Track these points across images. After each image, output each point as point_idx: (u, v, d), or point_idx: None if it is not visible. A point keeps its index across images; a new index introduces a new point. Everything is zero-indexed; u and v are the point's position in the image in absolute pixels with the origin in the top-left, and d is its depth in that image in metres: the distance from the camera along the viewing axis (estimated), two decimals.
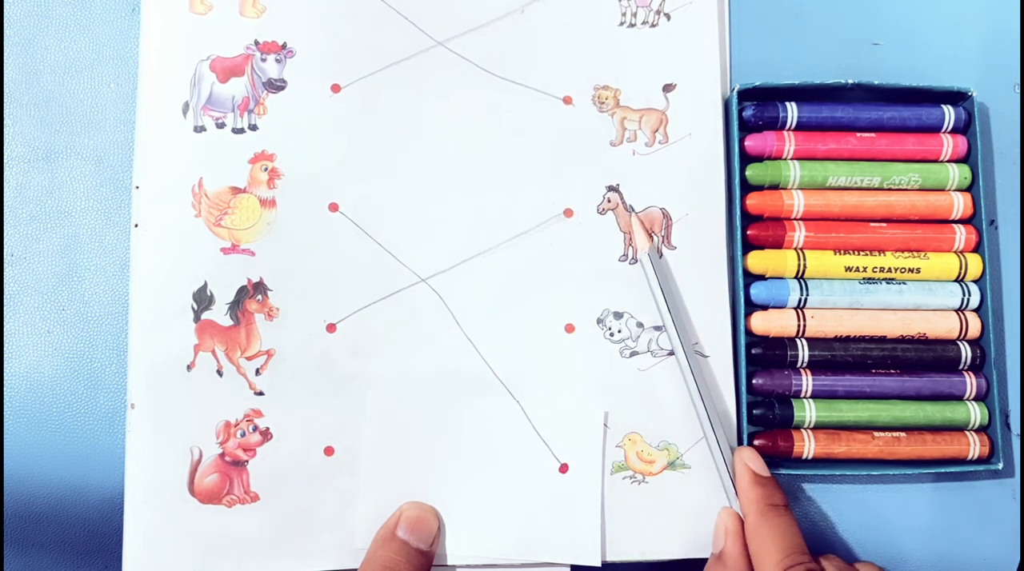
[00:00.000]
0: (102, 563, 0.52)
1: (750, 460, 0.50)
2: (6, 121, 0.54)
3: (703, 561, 0.51)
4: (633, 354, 0.52)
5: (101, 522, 0.52)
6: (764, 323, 0.53)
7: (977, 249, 0.53)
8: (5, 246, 0.53)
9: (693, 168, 0.53)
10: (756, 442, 0.52)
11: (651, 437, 0.52)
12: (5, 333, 0.53)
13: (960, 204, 0.53)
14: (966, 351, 0.53)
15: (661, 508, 0.51)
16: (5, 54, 0.54)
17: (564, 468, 0.51)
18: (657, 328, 0.52)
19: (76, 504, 0.52)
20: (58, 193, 0.54)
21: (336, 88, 0.53)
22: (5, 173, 0.54)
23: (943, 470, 0.52)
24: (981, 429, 0.52)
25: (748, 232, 0.53)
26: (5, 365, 0.53)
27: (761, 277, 0.53)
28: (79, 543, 0.52)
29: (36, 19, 0.54)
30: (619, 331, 0.52)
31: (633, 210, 0.51)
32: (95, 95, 0.54)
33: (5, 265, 0.53)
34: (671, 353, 0.52)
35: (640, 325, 0.52)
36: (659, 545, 0.51)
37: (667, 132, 0.54)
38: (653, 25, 0.55)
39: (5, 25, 0.54)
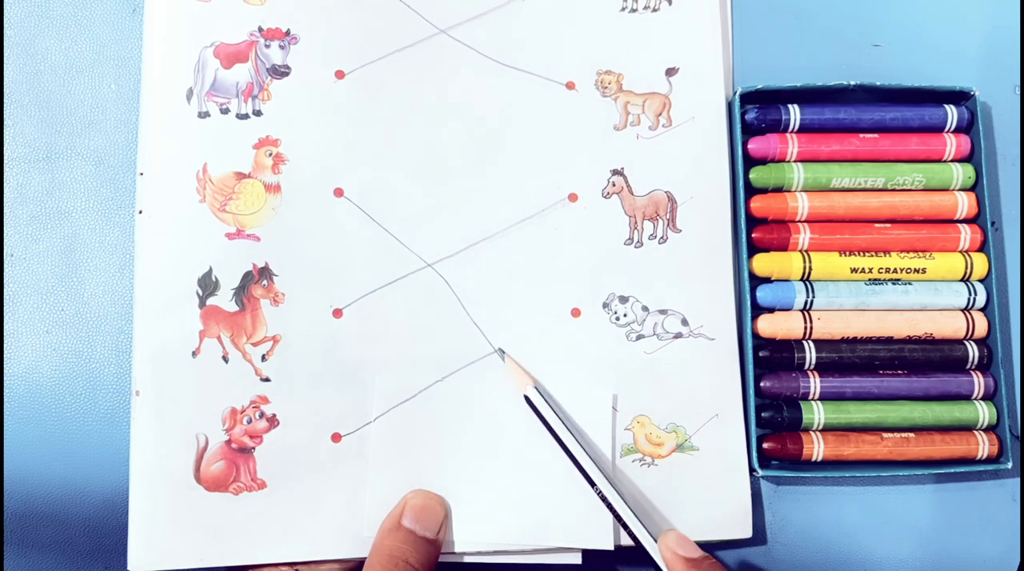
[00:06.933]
0: (103, 563, 0.51)
1: (677, 546, 0.48)
2: (6, 121, 0.54)
3: (711, 543, 0.51)
4: (639, 337, 0.52)
5: (101, 522, 0.51)
6: (771, 326, 0.52)
7: (982, 248, 0.53)
8: (5, 246, 0.53)
9: (697, 151, 0.54)
10: (765, 445, 0.52)
11: (659, 420, 0.52)
12: (5, 333, 0.52)
13: (964, 203, 0.53)
14: (973, 351, 0.52)
15: (671, 490, 0.51)
16: (5, 54, 0.54)
17: None
18: (662, 312, 0.52)
19: (76, 504, 0.52)
20: (58, 193, 0.53)
21: (340, 74, 0.53)
22: (5, 173, 0.53)
23: (953, 470, 0.51)
24: (990, 428, 0.52)
25: (753, 235, 0.53)
26: (5, 365, 0.52)
27: (767, 280, 0.53)
28: (79, 543, 0.52)
29: (36, 19, 0.54)
30: (625, 315, 0.52)
31: (504, 353, 0.51)
32: (96, 95, 0.54)
33: (5, 265, 0.53)
34: (677, 336, 0.52)
35: (646, 309, 0.52)
36: (669, 527, 0.50)
37: (670, 116, 0.54)
38: (655, 10, 0.55)
39: (5, 25, 0.54)
